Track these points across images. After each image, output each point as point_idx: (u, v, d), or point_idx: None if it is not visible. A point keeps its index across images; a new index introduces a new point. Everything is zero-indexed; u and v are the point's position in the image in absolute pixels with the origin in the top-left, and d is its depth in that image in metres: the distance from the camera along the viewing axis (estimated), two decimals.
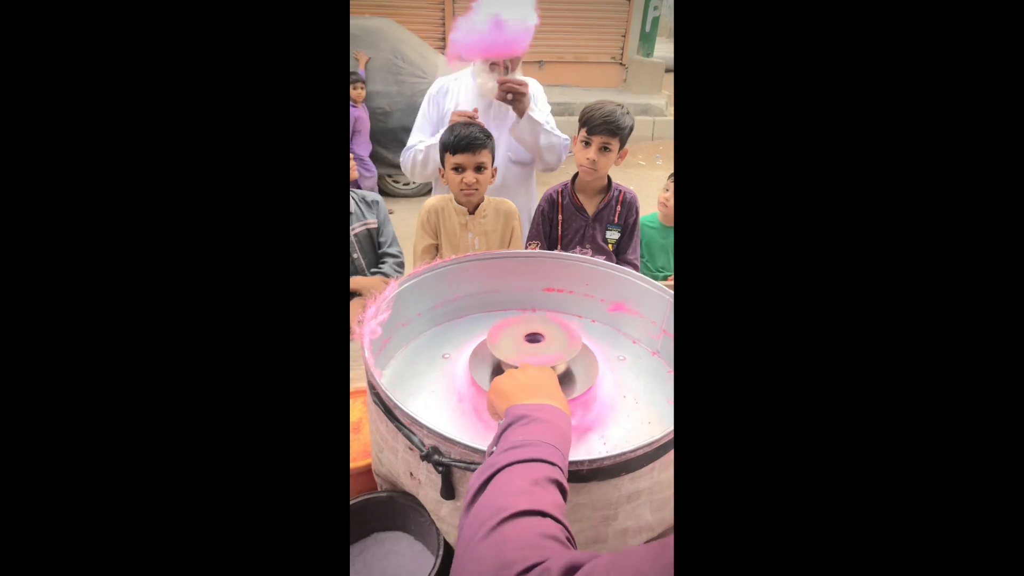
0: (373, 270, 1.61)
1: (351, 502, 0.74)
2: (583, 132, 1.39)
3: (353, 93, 3.32)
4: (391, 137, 3.63)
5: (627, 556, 0.32)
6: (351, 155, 3.34)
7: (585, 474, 0.60)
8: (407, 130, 1.69)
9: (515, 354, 0.79)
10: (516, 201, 1.66)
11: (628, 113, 1.41)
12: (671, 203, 1.82)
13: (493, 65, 1.48)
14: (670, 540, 0.32)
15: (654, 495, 0.65)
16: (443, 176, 1.32)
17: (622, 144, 1.41)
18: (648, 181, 4.61)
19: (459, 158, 1.25)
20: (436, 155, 1.40)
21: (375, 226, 1.61)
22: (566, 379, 0.83)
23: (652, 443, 0.61)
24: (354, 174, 3.29)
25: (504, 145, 1.57)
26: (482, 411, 0.82)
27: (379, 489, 0.81)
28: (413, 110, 1.78)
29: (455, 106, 1.55)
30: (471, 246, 1.32)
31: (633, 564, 0.32)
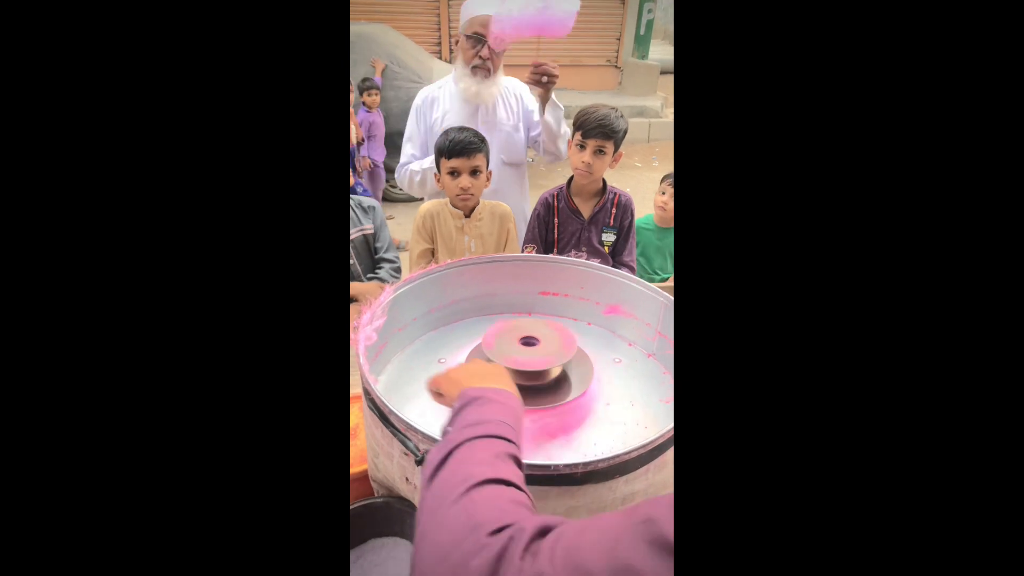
0: (369, 276, 1.61)
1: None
2: (578, 136, 1.40)
3: (368, 99, 3.37)
4: (387, 142, 3.65)
5: (599, 520, 0.32)
6: (367, 158, 3.37)
7: (580, 477, 0.60)
8: (403, 135, 1.70)
9: (511, 358, 0.79)
10: (510, 202, 1.67)
11: (622, 116, 1.41)
12: (668, 205, 1.83)
13: (475, 69, 1.49)
14: (643, 501, 0.32)
15: (649, 497, 0.65)
16: (439, 180, 1.32)
17: (617, 147, 1.42)
18: (644, 183, 4.63)
19: (454, 162, 1.26)
20: (433, 177, 1.40)
21: (371, 231, 1.61)
22: (561, 382, 0.83)
23: (646, 445, 0.61)
24: (359, 133, 3.29)
25: (497, 148, 1.58)
26: None
27: (376, 495, 0.81)
28: (408, 115, 1.78)
29: (443, 115, 1.55)
30: (467, 249, 1.32)
31: (604, 526, 0.31)
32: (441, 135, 1.29)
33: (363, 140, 3.26)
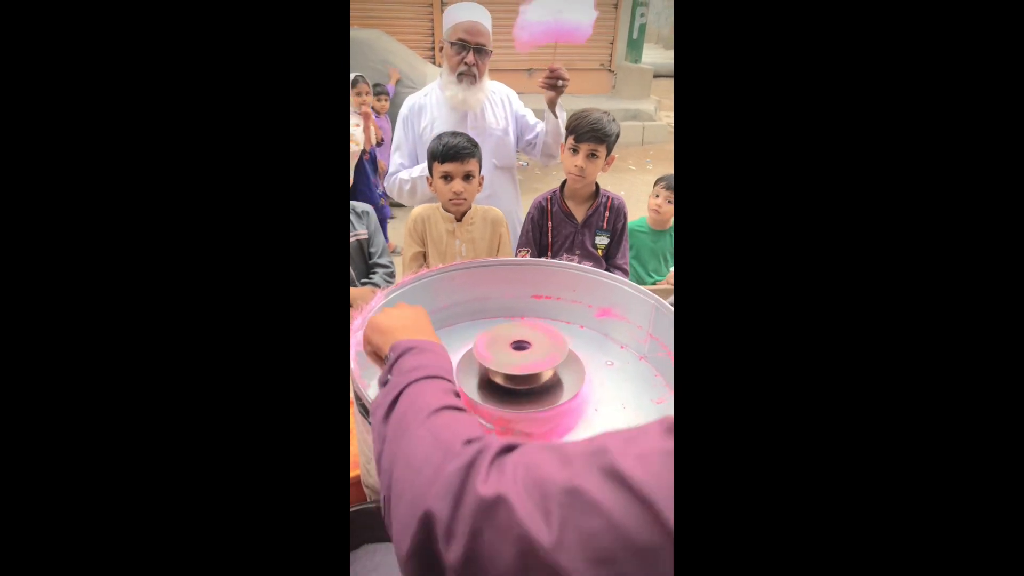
0: (363, 280, 1.61)
1: None
2: (571, 140, 1.41)
3: (377, 104, 3.42)
4: None
5: (559, 445, 0.34)
6: (384, 162, 3.38)
7: None
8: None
9: (502, 362, 0.79)
10: (503, 206, 1.68)
11: (614, 120, 1.43)
12: (662, 208, 1.84)
13: (461, 76, 1.50)
14: (603, 433, 0.34)
15: None
16: (431, 185, 1.33)
17: (609, 150, 1.43)
18: (638, 186, 4.65)
19: (447, 167, 1.26)
20: (424, 185, 1.41)
21: (365, 236, 1.62)
22: (554, 385, 0.83)
23: None
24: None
25: (489, 152, 1.60)
26: None
27: (368, 500, 0.80)
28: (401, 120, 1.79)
29: (431, 122, 1.55)
30: (458, 253, 1.33)
31: (563, 450, 0.33)
32: (434, 139, 1.30)
33: (381, 141, 3.28)
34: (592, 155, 1.40)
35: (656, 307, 0.93)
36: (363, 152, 3.07)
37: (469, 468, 0.33)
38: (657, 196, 1.86)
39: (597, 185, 1.51)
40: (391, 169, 1.64)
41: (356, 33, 4.01)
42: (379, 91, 3.44)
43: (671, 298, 0.94)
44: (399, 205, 3.78)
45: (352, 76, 3.04)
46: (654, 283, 1.88)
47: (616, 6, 6.19)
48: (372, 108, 3.38)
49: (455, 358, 0.88)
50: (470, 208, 1.35)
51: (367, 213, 1.64)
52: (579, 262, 1.30)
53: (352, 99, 2.97)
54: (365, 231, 1.61)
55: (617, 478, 0.29)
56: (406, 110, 1.61)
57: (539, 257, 1.48)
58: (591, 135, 1.37)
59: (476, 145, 1.29)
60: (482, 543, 0.31)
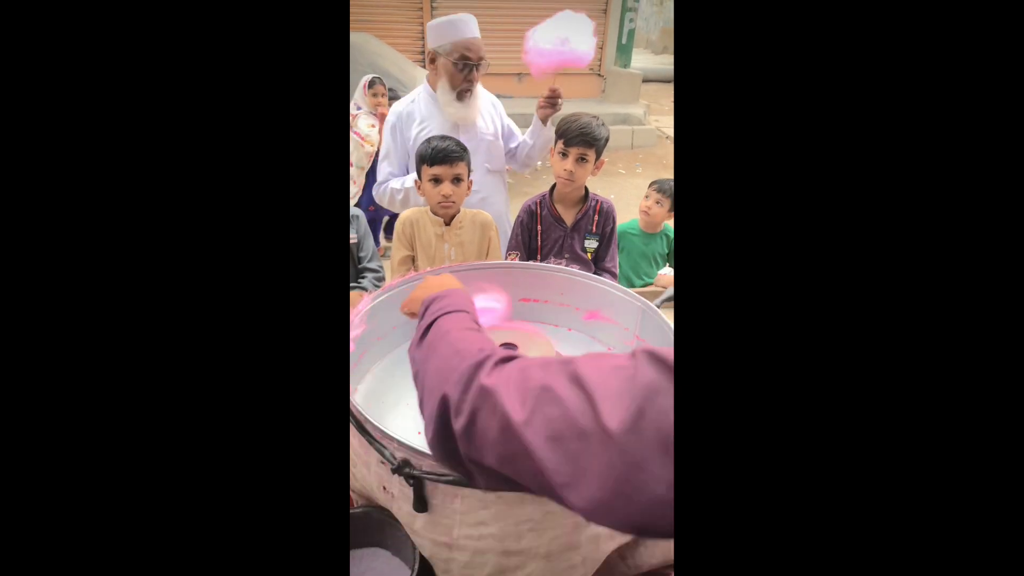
0: (352, 284, 1.60)
1: None
2: (560, 144, 1.42)
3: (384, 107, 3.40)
4: None
5: (545, 359, 0.43)
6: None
7: None
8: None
9: None
10: (496, 209, 1.68)
11: (603, 124, 1.44)
12: (651, 210, 1.86)
13: (461, 94, 1.50)
14: (579, 356, 0.42)
15: None
16: (419, 188, 1.33)
17: (598, 155, 1.44)
18: (629, 189, 4.68)
19: (436, 170, 1.26)
20: (416, 194, 1.41)
21: (355, 240, 1.61)
22: None
23: None
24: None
25: (481, 157, 1.61)
26: None
27: (354, 505, 0.80)
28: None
29: (422, 130, 1.55)
30: (447, 257, 1.33)
31: (546, 362, 0.42)
32: (423, 143, 1.30)
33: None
34: (581, 159, 1.40)
35: (643, 309, 0.93)
36: (378, 152, 3.06)
37: (477, 367, 0.44)
38: (647, 198, 1.88)
39: (586, 189, 1.52)
40: (380, 178, 1.62)
41: None
42: (393, 96, 3.43)
43: (657, 300, 0.95)
44: None
45: (369, 78, 3.03)
46: (644, 286, 1.89)
47: (605, 11, 6.24)
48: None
49: None
50: (459, 212, 1.35)
51: (356, 217, 1.63)
52: (567, 266, 1.31)
53: (368, 100, 2.95)
54: (355, 235, 1.61)
55: (576, 380, 0.38)
56: (393, 117, 1.58)
57: (528, 261, 1.48)
58: (580, 139, 1.38)
59: (465, 148, 1.30)
60: (479, 419, 0.42)
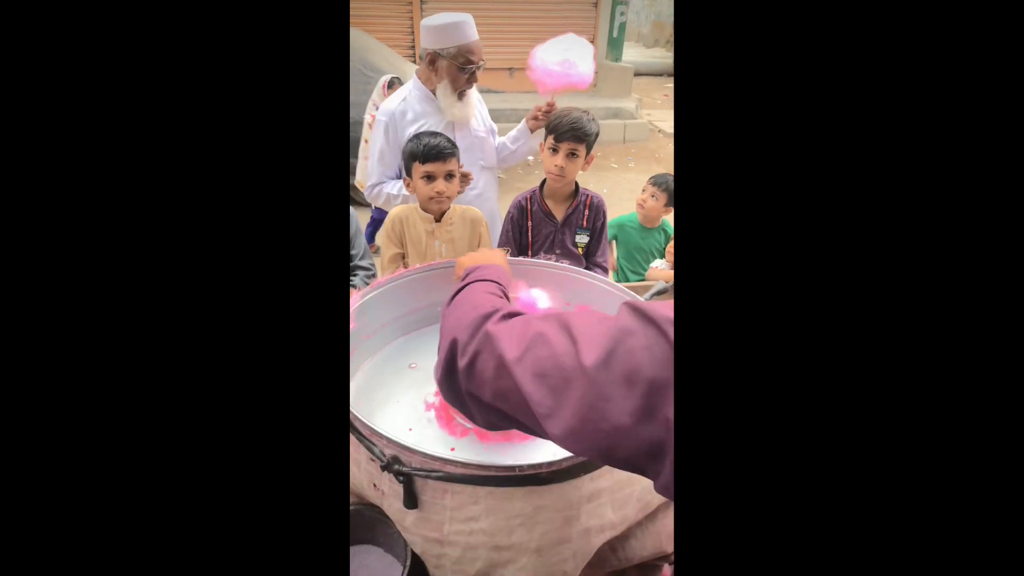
0: None
1: None
2: (550, 139, 1.41)
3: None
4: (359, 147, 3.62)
5: (544, 313, 0.48)
6: None
7: (545, 476, 0.61)
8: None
9: None
10: (490, 205, 1.69)
11: (594, 119, 1.43)
12: (646, 203, 1.87)
13: (462, 94, 1.52)
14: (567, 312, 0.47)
15: (615, 493, 0.67)
16: (409, 186, 1.32)
17: (588, 149, 1.44)
18: (621, 183, 4.69)
19: (429, 167, 1.26)
20: (413, 198, 1.41)
21: None
22: None
23: None
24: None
25: (477, 154, 1.62)
26: (450, 419, 0.82)
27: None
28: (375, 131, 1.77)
29: (415, 128, 1.54)
30: (438, 254, 1.32)
31: (542, 315, 0.47)
32: (412, 140, 1.29)
33: None
34: (572, 154, 1.40)
35: None
36: None
37: (486, 317, 0.50)
38: (644, 192, 1.88)
39: (577, 184, 1.52)
40: (373, 179, 1.59)
41: None
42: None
43: (647, 294, 0.95)
44: None
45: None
46: (638, 280, 1.90)
47: (596, 5, 6.22)
48: None
49: (435, 358, 0.88)
50: (449, 208, 1.34)
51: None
52: (557, 260, 1.31)
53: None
54: None
55: (565, 327, 0.43)
56: (385, 117, 1.55)
57: (520, 256, 1.48)
58: (571, 135, 1.38)
59: (455, 145, 1.29)
60: (479, 359, 0.48)
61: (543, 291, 0.90)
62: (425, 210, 1.32)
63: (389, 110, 1.56)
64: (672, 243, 1.74)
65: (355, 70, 3.77)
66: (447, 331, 0.53)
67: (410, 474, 0.60)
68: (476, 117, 1.64)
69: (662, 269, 1.74)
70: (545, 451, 0.76)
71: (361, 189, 1.88)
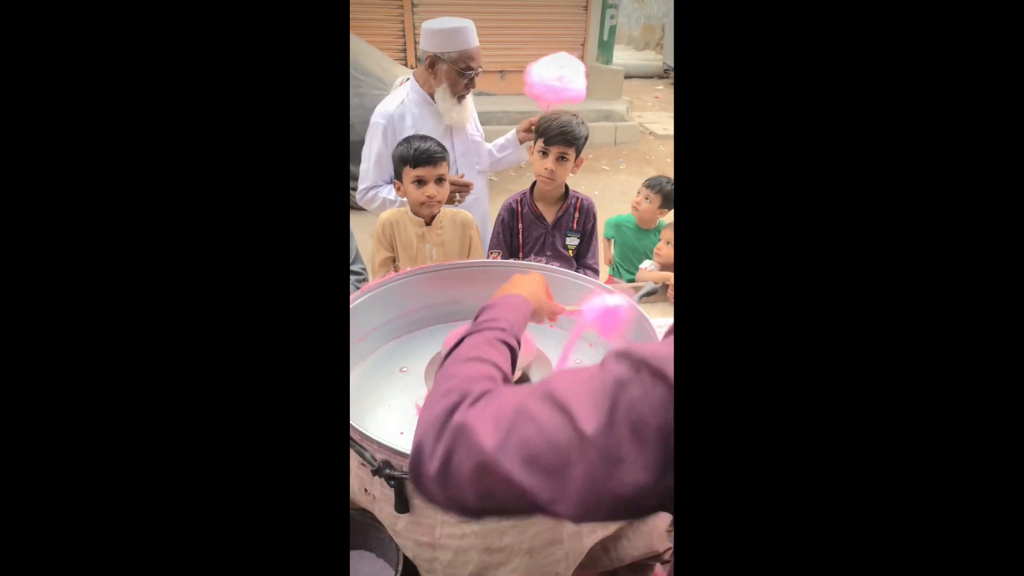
0: None
1: None
2: (540, 143, 1.42)
3: None
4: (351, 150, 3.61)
5: (520, 387, 0.43)
6: None
7: None
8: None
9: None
10: (483, 208, 1.70)
11: (583, 123, 1.44)
12: (640, 205, 1.88)
13: (460, 97, 1.53)
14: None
15: None
16: (399, 190, 1.32)
17: (578, 153, 1.45)
18: (612, 185, 4.71)
19: (420, 171, 1.26)
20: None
21: None
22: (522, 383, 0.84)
23: None
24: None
25: (473, 157, 1.65)
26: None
27: None
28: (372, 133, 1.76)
29: (414, 131, 1.53)
30: (429, 257, 1.32)
31: (521, 390, 0.42)
32: (402, 144, 1.29)
33: None
34: (562, 158, 1.41)
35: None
36: None
37: (452, 409, 0.42)
38: (638, 194, 1.90)
39: (567, 187, 1.53)
40: (367, 182, 1.58)
41: None
42: None
43: (636, 296, 0.96)
44: None
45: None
46: (630, 281, 1.91)
47: (586, 8, 6.25)
48: None
49: (426, 362, 0.88)
50: (439, 211, 1.35)
51: None
52: (547, 262, 1.32)
53: None
54: None
55: (550, 397, 0.38)
56: (383, 120, 1.54)
57: (510, 258, 1.49)
58: (561, 138, 1.39)
59: (445, 149, 1.30)
60: (452, 459, 0.40)
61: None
62: (416, 214, 1.32)
63: (387, 113, 1.55)
64: (660, 244, 1.75)
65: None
66: (419, 422, 0.45)
67: (401, 478, 0.60)
68: (472, 121, 1.65)
69: (651, 270, 1.75)
70: None
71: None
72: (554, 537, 0.66)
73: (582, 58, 6.54)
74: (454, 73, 1.50)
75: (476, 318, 0.62)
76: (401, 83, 3.07)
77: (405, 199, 1.47)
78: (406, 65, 5.39)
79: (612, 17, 6.35)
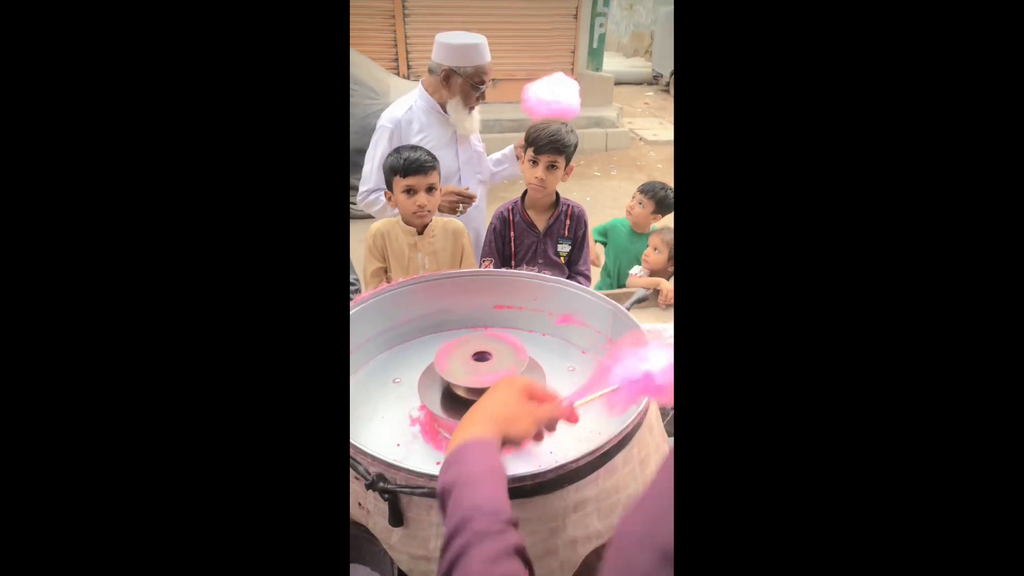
0: None
1: None
2: (530, 152, 1.43)
3: None
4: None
5: None
6: None
7: (530, 489, 0.61)
8: (360, 151, 1.69)
9: (464, 375, 0.80)
10: (482, 217, 1.73)
11: (572, 131, 1.46)
12: (634, 211, 1.90)
13: (471, 109, 1.60)
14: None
15: (601, 503, 0.67)
16: (391, 200, 1.32)
17: (568, 161, 1.46)
18: (604, 191, 4.74)
19: (410, 180, 1.26)
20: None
21: None
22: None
23: (593, 452, 0.63)
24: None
25: (475, 167, 1.70)
26: (435, 432, 0.82)
27: None
28: (367, 131, 1.77)
29: (423, 140, 1.57)
30: (421, 266, 1.33)
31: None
32: (392, 154, 1.30)
33: None
34: (552, 166, 1.42)
35: (614, 313, 0.95)
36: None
37: None
38: (632, 199, 1.91)
39: (557, 194, 1.54)
40: (370, 184, 1.60)
41: None
42: None
43: (627, 303, 0.96)
44: None
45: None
46: (619, 287, 1.92)
47: (576, 16, 6.31)
48: None
49: (419, 373, 0.88)
50: (431, 220, 1.35)
51: None
52: (540, 270, 1.32)
53: None
54: None
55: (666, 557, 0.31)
56: (391, 124, 1.57)
57: (503, 266, 1.49)
58: (550, 147, 1.40)
59: (435, 158, 1.30)
60: None
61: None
62: (407, 223, 1.32)
63: (395, 118, 1.59)
64: (648, 250, 1.76)
65: None
66: None
67: (395, 492, 0.60)
68: (477, 132, 1.70)
69: (641, 276, 1.76)
70: (530, 462, 0.76)
71: None
72: (549, 548, 0.66)
73: (572, 65, 6.60)
74: (468, 86, 1.56)
75: (445, 506, 0.47)
76: None
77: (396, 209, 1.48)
78: (398, 75, 5.41)
79: (601, 25, 6.42)
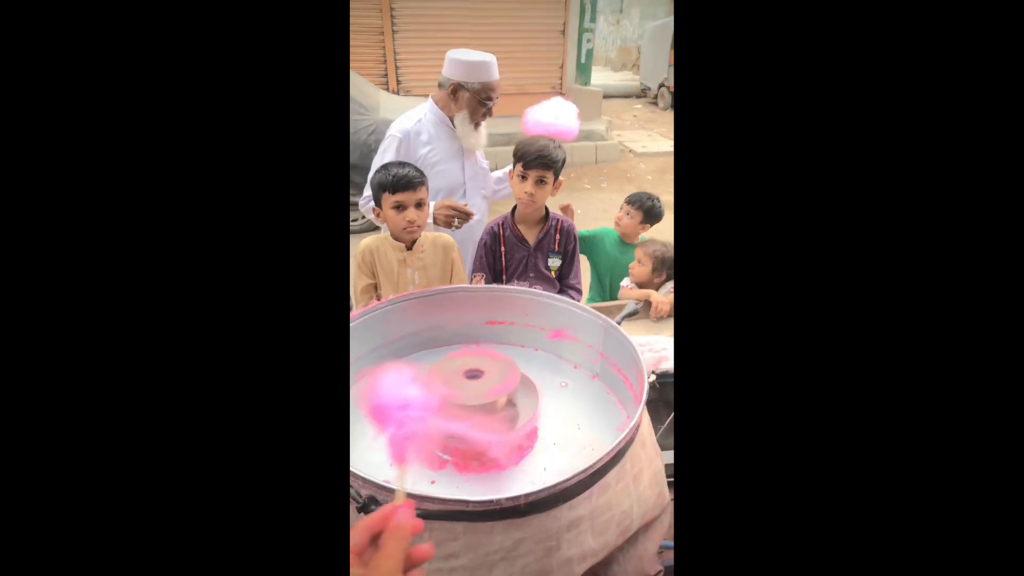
0: None
1: None
2: (519, 167, 1.45)
3: None
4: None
5: None
6: None
7: (524, 508, 0.61)
8: (352, 167, 1.71)
9: (456, 393, 0.79)
10: (480, 231, 1.74)
11: (560, 146, 1.48)
12: (622, 222, 1.91)
13: (477, 124, 1.64)
14: None
15: (595, 520, 0.67)
16: (379, 216, 1.33)
17: (556, 175, 1.47)
18: (594, 203, 4.78)
19: (399, 196, 1.27)
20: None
21: None
22: (509, 411, 0.84)
23: (586, 470, 0.63)
24: None
25: (480, 182, 1.75)
26: (428, 452, 0.81)
27: None
28: (356, 147, 1.79)
29: (430, 151, 1.61)
30: (411, 282, 1.32)
31: None
32: (380, 171, 1.30)
33: None
34: (541, 181, 1.44)
35: (605, 327, 0.95)
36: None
37: None
38: (620, 209, 1.93)
39: (547, 209, 1.55)
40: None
41: None
42: None
43: (618, 317, 0.97)
44: None
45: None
46: (610, 298, 1.93)
47: (563, 32, 6.43)
48: None
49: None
50: (420, 235, 1.35)
51: None
52: (531, 285, 1.33)
53: None
54: None
55: None
56: (400, 134, 1.62)
57: (494, 281, 1.50)
58: (539, 162, 1.41)
59: (423, 173, 1.31)
60: None
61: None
62: (396, 239, 1.32)
63: (404, 128, 1.63)
64: (633, 263, 1.78)
65: None
66: None
67: None
68: (482, 148, 1.73)
69: (631, 288, 1.77)
70: (523, 482, 0.76)
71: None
72: (543, 568, 0.65)
73: (561, 80, 6.70)
74: (475, 102, 1.60)
75: None
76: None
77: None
78: (387, 90, 5.45)
79: (589, 41, 6.53)
